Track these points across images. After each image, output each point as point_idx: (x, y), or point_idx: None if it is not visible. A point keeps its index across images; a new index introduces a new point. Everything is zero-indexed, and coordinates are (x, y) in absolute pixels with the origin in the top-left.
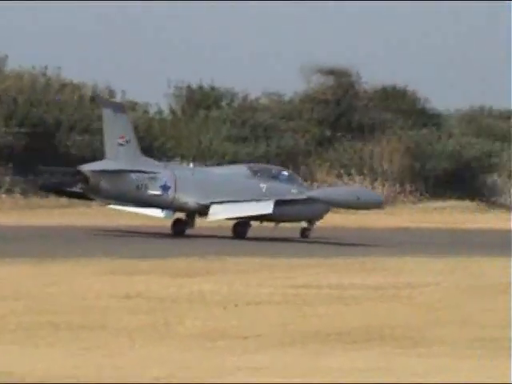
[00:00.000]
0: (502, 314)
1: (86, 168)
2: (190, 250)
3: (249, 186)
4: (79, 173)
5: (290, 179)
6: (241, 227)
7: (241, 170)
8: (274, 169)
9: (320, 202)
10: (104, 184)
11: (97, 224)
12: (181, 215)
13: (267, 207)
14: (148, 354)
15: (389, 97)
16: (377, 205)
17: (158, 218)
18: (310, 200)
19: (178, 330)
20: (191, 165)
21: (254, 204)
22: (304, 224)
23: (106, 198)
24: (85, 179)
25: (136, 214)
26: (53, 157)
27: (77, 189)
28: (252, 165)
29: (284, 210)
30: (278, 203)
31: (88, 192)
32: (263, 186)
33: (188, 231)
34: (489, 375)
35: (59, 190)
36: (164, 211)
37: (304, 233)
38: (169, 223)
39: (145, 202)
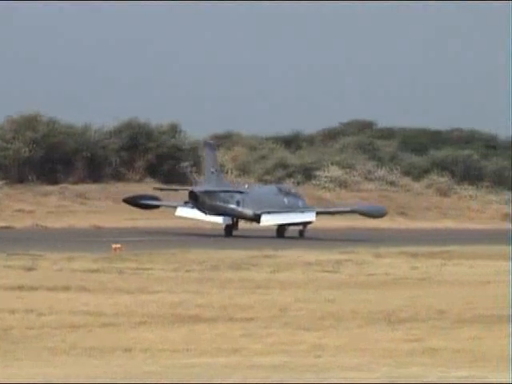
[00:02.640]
0: None
1: (196, 189)
2: None
3: (278, 200)
4: (192, 192)
5: (296, 195)
6: (281, 229)
7: (272, 189)
8: (287, 186)
9: (357, 213)
10: (207, 200)
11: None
12: (228, 221)
13: (311, 216)
14: None
15: None
16: (383, 214)
17: (214, 224)
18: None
19: None
20: (246, 185)
21: (299, 214)
22: (301, 227)
23: (207, 210)
24: (195, 197)
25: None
26: None
27: (144, 202)
28: (279, 184)
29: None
30: (317, 213)
31: (196, 206)
32: (285, 200)
33: (234, 233)
34: None
35: (136, 203)
36: (224, 218)
37: (303, 233)
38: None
39: (225, 213)
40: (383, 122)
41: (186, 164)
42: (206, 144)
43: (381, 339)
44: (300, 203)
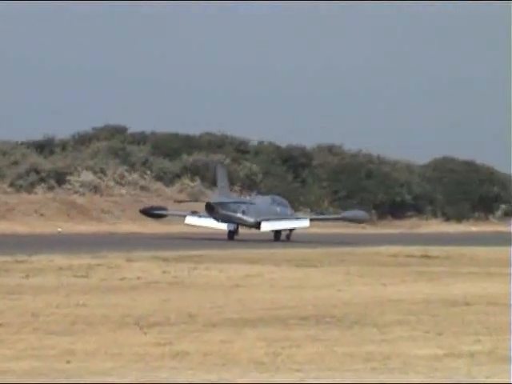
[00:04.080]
0: None
1: (212, 201)
2: None
3: (273, 209)
4: (208, 203)
5: (286, 204)
6: (278, 234)
7: (267, 200)
8: (278, 198)
9: (345, 220)
10: (221, 210)
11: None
12: (231, 227)
13: (306, 222)
14: None
15: None
16: (366, 219)
17: (219, 230)
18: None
19: None
20: (248, 197)
21: (295, 221)
22: (287, 231)
23: (220, 218)
24: (211, 207)
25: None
26: None
27: (157, 212)
28: (272, 196)
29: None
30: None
31: (212, 214)
32: (278, 209)
33: (236, 237)
34: None
35: (149, 213)
36: (228, 225)
37: (289, 236)
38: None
39: (232, 221)
40: (135, 126)
41: None
42: (219, 164)
43: (132, 343)
44: (288, 211)
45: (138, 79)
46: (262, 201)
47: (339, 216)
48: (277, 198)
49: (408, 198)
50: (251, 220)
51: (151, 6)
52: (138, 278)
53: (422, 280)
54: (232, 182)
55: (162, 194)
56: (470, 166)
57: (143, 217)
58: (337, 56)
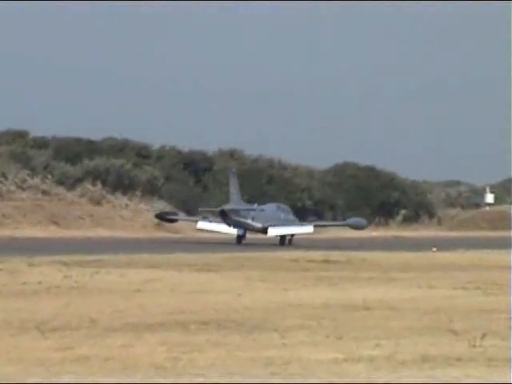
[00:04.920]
0: None
1: (226, 207)
2: None
3: (278, 216)
4: (222, 210)
5: (288, 211)
6: (283, 239)
7: (273, 207)
8: (282, 205)
9: (348, 226)
10: (233, 216)
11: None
12: (240, 232)
13: (310, 229)
14: None
15: None
16: (365, 226)
17: (230, 234)
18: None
19: None
20: (255, 205)
21: (299, 227)
22: (289, 236)
23: (232, 223)
24: (224, 213)
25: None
26: None
27: (170, 217)
28: (277, 204)
29: None
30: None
31: (225, 220)
32: (282, 215)
33: (244, 241)
34: None
35: (163, 218)
36: (238, 230)
37: (291, 241)
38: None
39: (242, 226)
40: (37, 131)
41: None
42: (231, 171)
43: (33, 348)
44: (290, 217)
45: (55, 81)
46: (267, 208)
47: (343, 223)
48: (281, 205)
49: (309, 203)
50: (259, 226)
51: (151, 6)
52: (39, 282)
53: (322, 285)
54: (133, 187)
55: (63, 199)
56: (370, 171)
57: (44, 221)
58: (338, 56)
